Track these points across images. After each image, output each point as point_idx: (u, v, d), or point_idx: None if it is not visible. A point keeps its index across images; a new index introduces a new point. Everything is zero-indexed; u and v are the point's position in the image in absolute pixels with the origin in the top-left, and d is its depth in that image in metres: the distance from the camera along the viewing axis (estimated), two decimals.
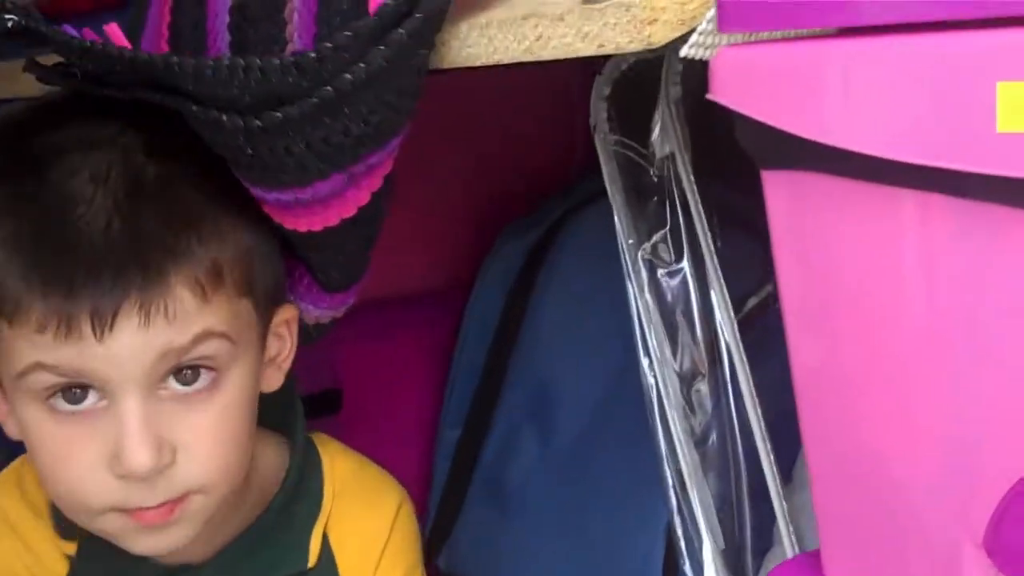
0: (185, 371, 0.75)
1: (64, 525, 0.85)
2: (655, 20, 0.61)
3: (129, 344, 0.72)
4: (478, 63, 0.71)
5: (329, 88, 0.67)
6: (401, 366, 1.29)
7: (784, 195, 0.54)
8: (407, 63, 0.70)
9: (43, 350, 0.72)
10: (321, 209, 0.77)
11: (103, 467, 0.74)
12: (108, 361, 0.72)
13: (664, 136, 0.92)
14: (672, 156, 0.91)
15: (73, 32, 0.78)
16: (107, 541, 0.82)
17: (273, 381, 0.84)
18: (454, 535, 1.24)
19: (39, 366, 0.73)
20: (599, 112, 0.94)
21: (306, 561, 0.88)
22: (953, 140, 0.46)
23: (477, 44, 0.71)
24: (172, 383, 0.74)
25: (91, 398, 0.74)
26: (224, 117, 0.69)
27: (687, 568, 0.94)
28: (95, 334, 0.70)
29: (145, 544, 0.78)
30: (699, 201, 0.91)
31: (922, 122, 0.47)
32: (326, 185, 0.74)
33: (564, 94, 1.12)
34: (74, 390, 0.74)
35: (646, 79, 0.91)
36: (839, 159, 0.49)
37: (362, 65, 0.67)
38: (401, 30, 0.68)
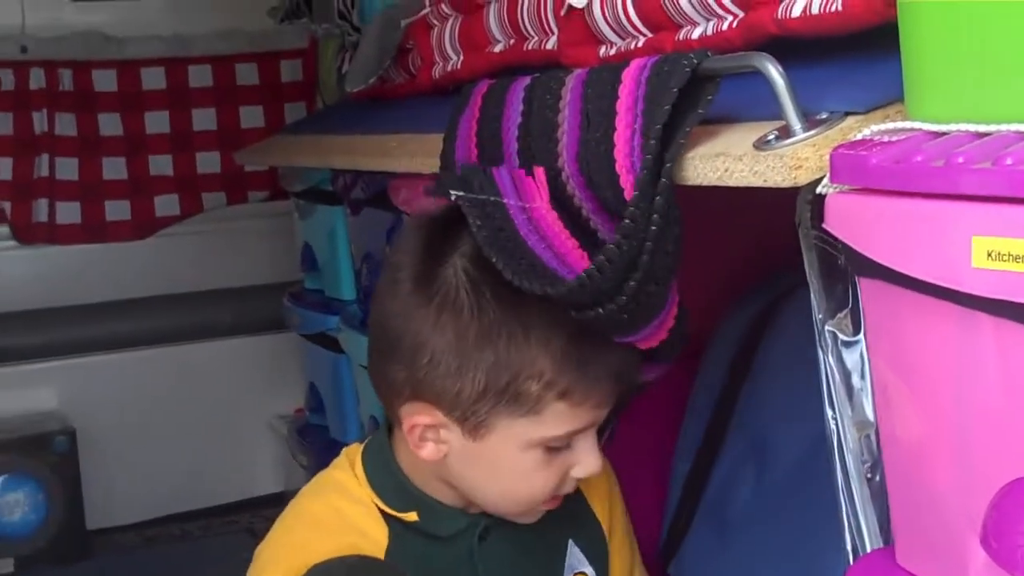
0: None
1: (402, 503, 1.20)
2: (800, 167, 0.86)
3: None
4: (685, 183, 0.98)
5: (649, 243, 0.97)
6: (647, 409, 1.49)
7: (871, 294, 0.79)
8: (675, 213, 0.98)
9: (580, 420, 1.13)
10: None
11: (559, 477, 1.16)
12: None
13: None
14: None
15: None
16: (434, 509, 1.20)
17: None
18: (681, 551, 1.48)
19: (572, 432, 1.14)
20: (803, 212, 1.17)
21: None
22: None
23: (684, 170, 0.97)
24: None
25: (570, 447, 1.15)
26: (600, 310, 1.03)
27: None
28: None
29: (536, 515, 1.20)
30: None
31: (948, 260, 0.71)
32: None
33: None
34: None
35: None
36: (892, 273, 0.73)
37: (656, 216, 0.97)
38: (663, 178, 0.96)
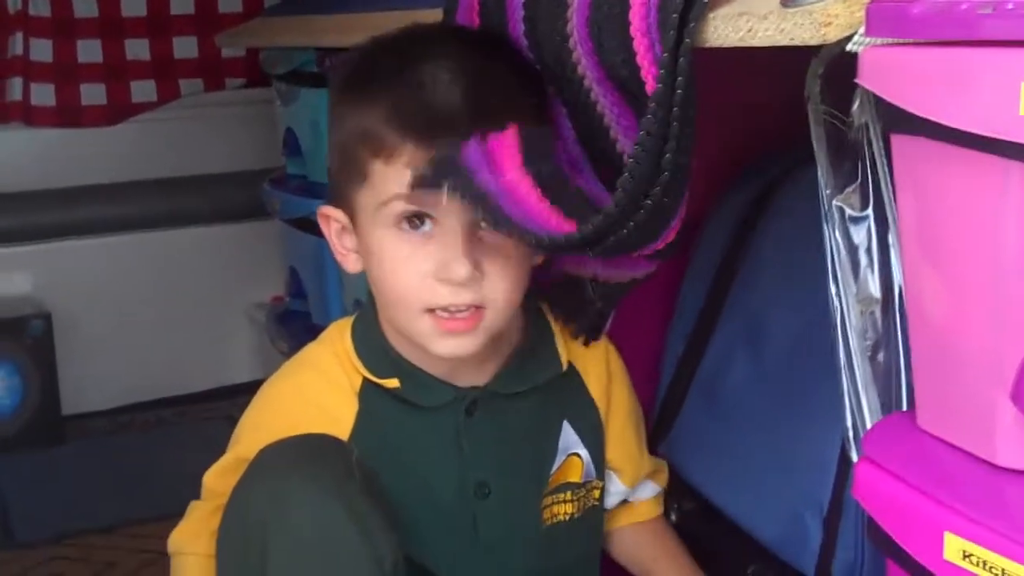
0: None
1: (384, 369, 1.17)
2: (830, 23, 0.84)
3: None
4: (705, 45, 0.96)
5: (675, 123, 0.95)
6: (640, 288, 1.49)
7: (905, 152, 0.78)
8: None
9: (403, 184, 1.06)
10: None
11: (430, 274, 1.08)
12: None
13: (861, 110, 1.13)
14: (866, 125, 1.12)
15: None
16: (415, 375, 1.17)
17: (538, 259, 1.16)
18: (674, 430, 1.48)
19: (398, 196, 1.07)
20: (812, 87, 1.15)
21: (559, 366, 1.22)
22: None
23: (704, 31, 0.95)
24: (485, 227, 1.05)
25: (427, 225, 1.09)
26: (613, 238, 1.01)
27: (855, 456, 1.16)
28: None
29: (446, 346, 1.12)
30: (885, 163, 1.12)
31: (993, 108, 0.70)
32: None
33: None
34: (416, 219, 1.09)
35: (851, 64, 1.13)
36: (932, 127, 0.72)
37: (680, 83, 0.94)
38: (686, 39, 0.94)
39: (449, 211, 1.07)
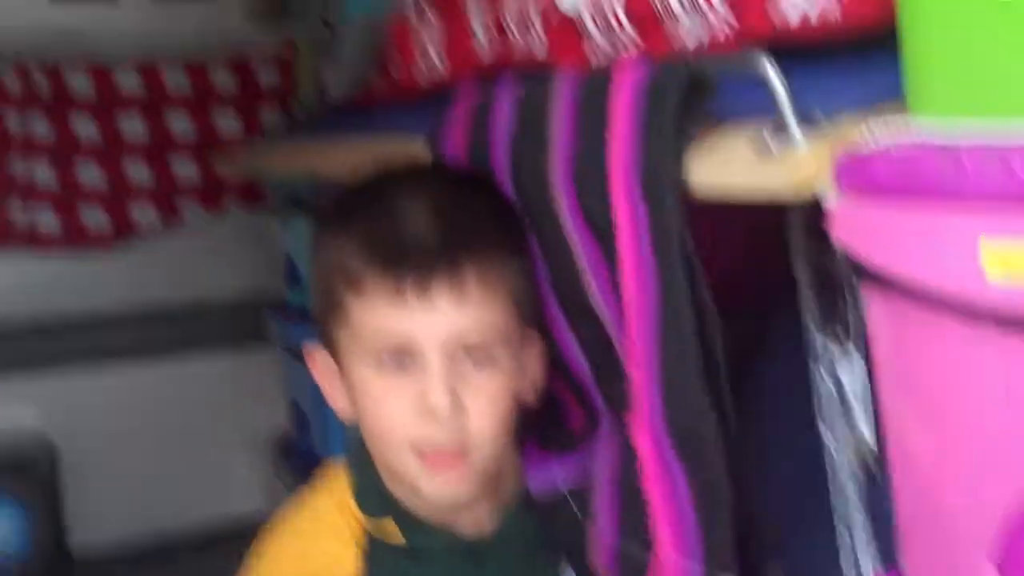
0: (474, 351, 1.06)
1: (377, 507, 1.16)
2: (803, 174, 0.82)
3: (442, 312, 1.04)
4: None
5: None
6: None
7: (878, 305, 0.75)
8: None
9: (380, 318, 1.05)
10: None
11: (411, 408, 1.06)
12: (425, 326, 1.04)
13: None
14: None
15: None
16: (411, 519, 1.14)
17: (527, 396, 1.14)
18: None
19: (376, 331, 1.06)
20: (795, 221, 1.14)
21: None
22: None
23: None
24: (464, 359, 1.06)
25: (407, 360, 1.07)
26: None
27: None
28: (417, 301, 1.04)
29: (433, 485, 1.09)
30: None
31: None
32: None
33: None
34: (397, 357, 1.07)
35: None
36: (899, 285, 0.69)
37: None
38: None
39: (428, 345, 1.06)
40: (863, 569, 1.05)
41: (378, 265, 1.05)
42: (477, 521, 1.16)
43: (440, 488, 1.09)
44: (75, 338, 2.94)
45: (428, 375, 1.06)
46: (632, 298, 0.99)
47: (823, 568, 1.20)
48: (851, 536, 1.06)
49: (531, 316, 1.12)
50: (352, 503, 1.17)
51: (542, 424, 1.21)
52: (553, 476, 1.17)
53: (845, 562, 1.08)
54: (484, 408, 1.08)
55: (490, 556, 1.16)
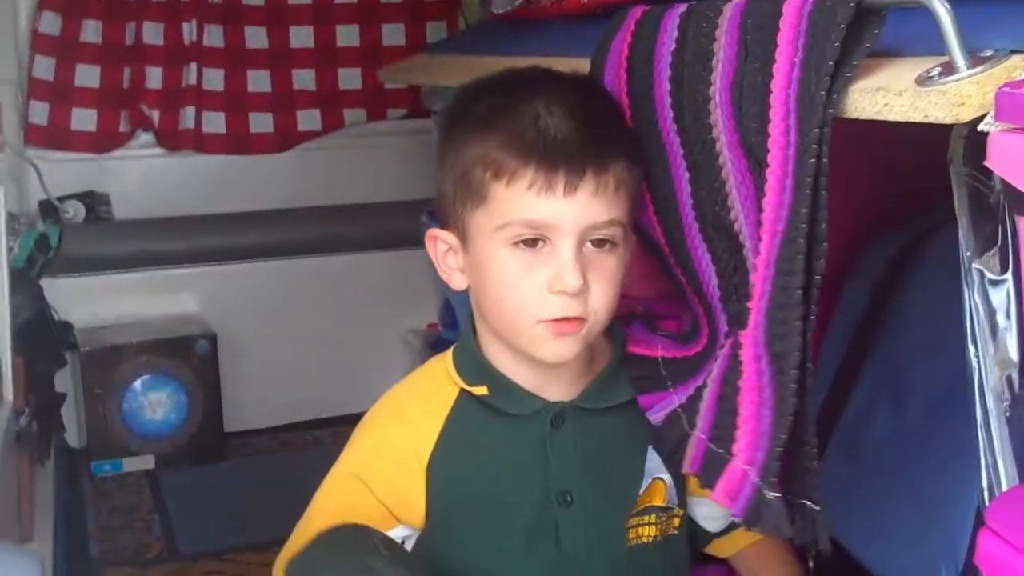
0: (600, 240, 1.20)
1: (474, 377, 1.29)
2: (963, 104, 0.86)
3: (583, 204, 1.17)
4: (842, 116, 0.98)
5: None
6: None
7: None
8: None
9: (527, 206, 1.17)
10: None
11: (544, 284, 1.19)
12: (567, 215, 1.17)
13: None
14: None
15: None
16: (504, 385, 1.27)
17: (625, 281, 1.27)
18: None
19: (521, 217, 1.18)
20: (956, 148, 1.16)
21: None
22: None
23: (842, 104, 0.98)
24: (590, 245, 1.19)
25: (541, 245, 1.20)
26: None
27: None
28: (564, 194, 1.16)
29: (553, 348, 1.23)
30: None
31: None
32: None
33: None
34: (531, 240, 1.19)
35: None
36: None
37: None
38: (829, 109, 0.98)
39: (566, 231, 1.18)
40: (1001, 476, 1.09)
41: (531, 160, 1.17)
42: (564, 389, 1.29)
43: (558, 349, 1.22)
44: (238, 233, 3.08)
45: (563, 258, 1.19)
46: (769, 223, 1.06)
47: (957, 480, 1.26)
48: (990, 445, 1.09)
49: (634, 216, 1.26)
50: (452, 369, 1.30)
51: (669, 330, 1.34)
52: (672, 403, 1.27)
53: (985, 474, 1.12)
54: (603, 287, 1.21)
55: (569, 417, 1.28)
